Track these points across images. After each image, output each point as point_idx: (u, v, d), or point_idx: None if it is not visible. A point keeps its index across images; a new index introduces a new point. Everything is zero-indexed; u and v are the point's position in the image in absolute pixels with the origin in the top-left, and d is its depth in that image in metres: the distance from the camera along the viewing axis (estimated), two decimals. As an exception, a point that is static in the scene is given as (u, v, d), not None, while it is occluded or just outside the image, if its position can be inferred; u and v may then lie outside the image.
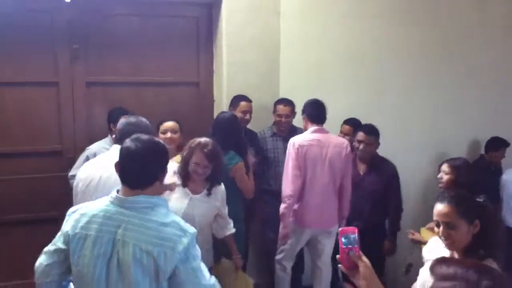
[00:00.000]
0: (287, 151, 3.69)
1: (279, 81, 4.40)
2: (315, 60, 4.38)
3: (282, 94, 4.35)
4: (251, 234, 4.11)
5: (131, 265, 1.79)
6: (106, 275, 1.83)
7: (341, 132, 4.17)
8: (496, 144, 4.61)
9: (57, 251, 1.99)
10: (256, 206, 4.09)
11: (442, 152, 4.47)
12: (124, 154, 1.96)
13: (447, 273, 1.23)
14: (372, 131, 3.79)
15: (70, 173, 3.82)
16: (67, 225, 1.96)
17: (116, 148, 2.57)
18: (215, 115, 4.48)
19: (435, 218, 2.12)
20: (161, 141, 2.11)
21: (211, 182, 3.01)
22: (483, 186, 3.05)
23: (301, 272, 4.23)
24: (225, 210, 3.15)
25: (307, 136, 3.66)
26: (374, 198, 3.74)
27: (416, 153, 4.52)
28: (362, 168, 3.85)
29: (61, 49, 4.05)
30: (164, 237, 1.83)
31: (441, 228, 2.08)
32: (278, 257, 3.85)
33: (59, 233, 2.03)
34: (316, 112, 3.74)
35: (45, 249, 2.06)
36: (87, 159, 3.76)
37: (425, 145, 4.57)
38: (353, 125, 4.12)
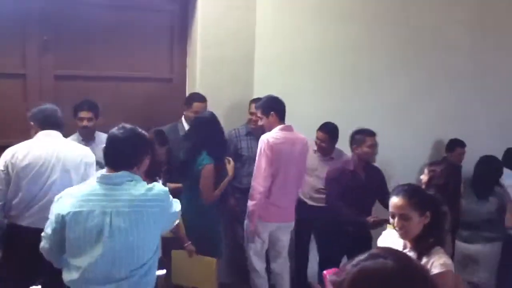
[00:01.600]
0: (259, 149, 3.67)
1: (253, 78, 4.38)
2: (289, 56, 4.38)
3: (256, 91, 4.33)
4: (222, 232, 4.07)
5: (128, 228, 2.13)
6: (97, 242, 2.12)
7: (317, 138, 4.12)
8: (452, 146, 4.75)
9: (54, 232, 2.22)
10: (227, 203, 4.08)
11: (420, 153, 4.60)
12: (111, 140, 2.27)
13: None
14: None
15: None
16: (58, 208, 2.20)
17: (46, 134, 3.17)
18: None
19: (390, 210, 2.28)
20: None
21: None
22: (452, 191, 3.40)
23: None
24: None
25: (278, 134, 3.69)
26: (373, 199, 3.89)
27: (387, 152, 4.54)
28: (361, 173, 3.86)
29: (30, 40, 3.91)
30: (151, 199, 2.20)
31: (396, 219, 2.24)
32: (250, 262, 3.85)
33: (50, 218, 2.26)
34: (283, 109, 3.77)
35: (42, 234, 2.30)
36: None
37: (391, 144, 4.57)
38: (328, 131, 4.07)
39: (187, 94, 4.46)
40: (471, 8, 4.79)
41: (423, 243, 2.22)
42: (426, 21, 4.59)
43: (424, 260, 2.19)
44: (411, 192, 2.27)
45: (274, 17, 4.33)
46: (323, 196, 4.00)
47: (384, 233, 2.54)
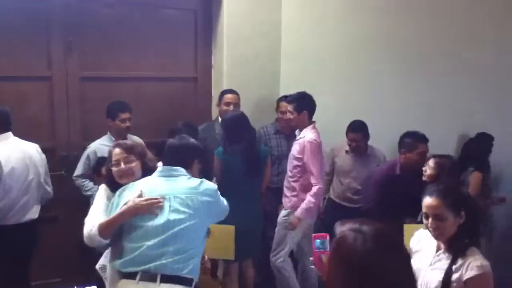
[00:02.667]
0: (309, 148, 3.59)
1: (279, 75, 4.30)
2: (316, 52, 4.29)
3: (283, 89, 4.24)
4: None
5: (180, 210, 2.40)
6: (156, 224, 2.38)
7: (349, 140, 3.99)
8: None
9: None
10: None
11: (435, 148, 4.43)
12: (169, 145, 2.67)
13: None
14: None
15: (75, 174, 3.72)
16: (124, 198, 2.45)
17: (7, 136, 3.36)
18: (213, 110, 4.39)
19: (424, 210, 2.21)
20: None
21: None
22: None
23: None
24: None
25: (316, 133, 3.67)
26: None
27: None
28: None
29: (55, 42, 3.88)
30: (202, 191, 2.50)
31: (430, 219, 2.17)
32: (284, 261, 3.81)
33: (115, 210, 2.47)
34: (315, 108, 3.72)
35: (92, 223, 2.46)
36: (88, 158, 3.65)
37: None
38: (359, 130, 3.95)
39: (212, 93, 4.41)
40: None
41: (458, 244, 2.15)
42: (456, 13, 4.41)
43: (459, 262, 2.11)
44: (446, 191, 2.19)
45: (300, 12, 4.24)
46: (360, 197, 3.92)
47: (416, 233, 2.45)
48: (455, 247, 2.15)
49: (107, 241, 2.47)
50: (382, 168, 3.79)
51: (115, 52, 4.10)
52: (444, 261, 2.16)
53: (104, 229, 2.39)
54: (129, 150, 2.61)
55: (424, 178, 3.26)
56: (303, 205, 3.64)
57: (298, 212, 3.66)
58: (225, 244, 3.39)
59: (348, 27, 4.30)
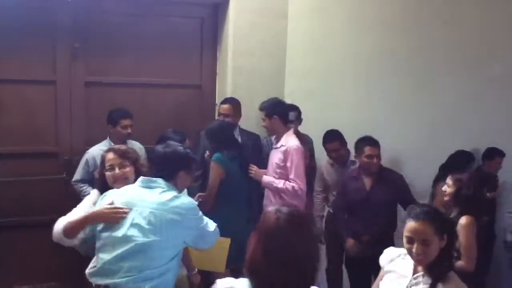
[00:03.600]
0: (295, 154, 3.54)
1: (284, 86, 4.29)
2: (321, 65, 4.26)
3: (287, 101, 4.23)
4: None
5: (141, 225, 2.26)
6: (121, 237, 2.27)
7: (328, 151, 3.94)
8: (491, 154, 4.46)
9: (97, 228, 2.39)
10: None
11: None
12: (154, 153, 2.55)
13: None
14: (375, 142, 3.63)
15: (74, 179, 3.71)
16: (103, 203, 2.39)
17: None
18: (216, 118, 4.39)
19: (408, 234, 2.12)
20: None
21: None
22: (481, 200, 3.17)
23: None
24: None
25: (296, 139, 3.66)
26: (385, 211, 3.60)
27: (420, 163, 4.35)
28: (367, 182, 3.70)
29: (61, 48, 3.91)
30: (170, 207, 2.31)
31: (415, 245, 2.09)
32: None
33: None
34: (287, 113, 3.73)
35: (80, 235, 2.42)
36: (87, 163, 3.65)
37: (427, 155, 4.38)
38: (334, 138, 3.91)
39: (216, 101, 4.41)
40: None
41: (439, 268, 2.09)
42: (471, 23, 4.28)
43: (440, 286, 2.06)
44: (433, 215, 2.12)
45: (306, 25, 4.23)
46: None
47: (386, 252, 2.38)
48: (435, 271, 2.08)
49: (74, 242, 2.44)
50: (349, 172, 3.82)
51: (120, 58, 4.11)
52: (422, 286, 2.10)
53: (68, 228, 2.36)
54: (123, 155, 2.58)
55: (446, 199, 3.18)
56: (275, 182, 3.57)
57: (267, 178, 3.62)
58: (217, 256, 3.23)
59: (355, 39, 4.27)
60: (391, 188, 3.57)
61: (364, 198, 3.58)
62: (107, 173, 2.56)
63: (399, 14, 4.14)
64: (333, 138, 3.85)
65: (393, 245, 3.63)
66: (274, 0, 4.21)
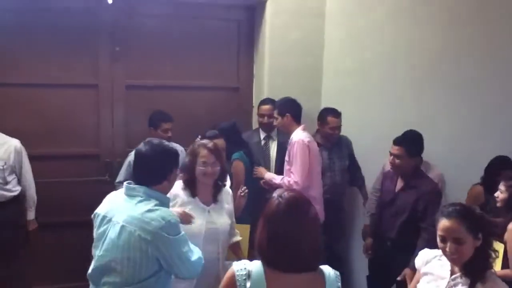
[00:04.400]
0: (296, 147, 3.56)
1: (321, 87, 4.26)
2: (359, 64, 4.20)
3: (325, 100, 4.20)
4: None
5: (115, 240, 2.09)
6: (102, 246, 2.15)
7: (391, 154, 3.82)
8: None
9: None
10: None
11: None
12: (135, 155, 2.27)
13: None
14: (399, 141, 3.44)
15: (117, 180, 3.76)
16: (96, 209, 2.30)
17: None
18: (254, 121, 4.40)
19: (441, 233, 2.10)
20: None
21: (217, 187, 2.78)
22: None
23: None
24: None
25: (306, 134, 3.67)
26: (407, 217, 3.37)
27: (467, 165, 4.18)
28: (399, 184, 3.51)
29: (103, 51, 4.01)
30: (138, 220, 2.07)
31: (448, 243, 2.07)
32: None
33: None
34: (300, 111, 3.76)
35: None
36: (130, 164, 3.71)
37: (478, 155, 4.20)
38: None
39: (253, 103, 4.42)
40: None
41: (476, 267, 2.05)
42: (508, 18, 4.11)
43: (479, 286, 2.01)
44: (465, 213, 2.08)
45: (343, 23, 4.19)
46: None
47: (421, 254, 2.33)
48: (473, 271, 2.05)
49: None
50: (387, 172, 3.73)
51: (159, 61, 4.19)
52: (461, 287, 2.06)
53: None
54: (216, 153, 2.71)
55: (498, 204, 3.06)
56: (275, 177, 3.64)
57: (268, 175, 3.70)
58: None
59: (393, 37, 4.19)
60: (417, 196, 3.34)
61: (391, 199, 3.46)
62: (200, 168, 2.65)
63: (437, 10, 4.04)
64: (397, 142, 3.49)
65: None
66: (311, -1, 4.20)
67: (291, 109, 3.69)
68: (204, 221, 2.64)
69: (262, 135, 4.10)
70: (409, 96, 4.21)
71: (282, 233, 1.70)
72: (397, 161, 3.36)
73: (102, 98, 4.07)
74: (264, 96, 4.20)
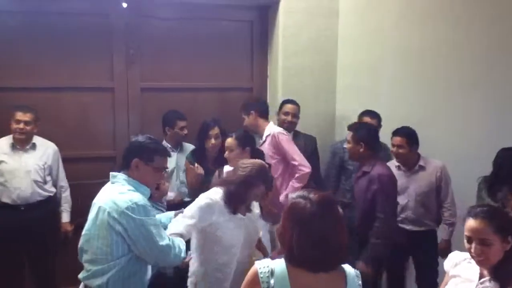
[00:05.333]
0: (282, 139, 3.65)
1: (335, 86, 4.24)
2: (373, 62, 4.18)
3: (339, 99, 4.18)
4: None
5: (103, 224, 2.26)
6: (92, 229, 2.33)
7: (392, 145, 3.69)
8: None
9: None
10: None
11: None
12: None
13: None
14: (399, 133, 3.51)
15: None
16: None
17: None
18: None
19: (467, 233, 2.05)
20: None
21: None
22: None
23: None
24: None
25: (279, 128, 3.77)
26: (362, 207, 3.27)
27: (479, 160, 4.11)
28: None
29: (118, 54, 4.05)
30: (107, 202, 2.26)
31: (473, 244, 2.02)
32: None
33: None
34: (266, 108, 3.89)
35: None
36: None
37: (489, 151, 4.13)
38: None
39: (268, 103, 4.42)
40: None
41: (505, 271, 1.99)
42: None
43: None
44: (492, 214, 2.03)
45: (356, 21, 4.18)
46: None
47: (451, 256, 2.28)
48: (502, 274, 1.99)
49: None
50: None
51: (172, 63, 4.22)
52: None
53: None
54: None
55: None
56: (287, 190, 3.57)
57: (282, 196, 3.55)
58: None
59: (407, 36, 4.16)
60: (368, 182, 3.22)
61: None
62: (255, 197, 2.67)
63: (449, 8, 4.00)
64: (400, 133, 3.51)
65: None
66: (323, -2, 4.19)
67: (255, 107, 3.79)
68: (242, 231, 2.61)
69: None
70: (422, 93, 4.17)
71: (317, 234, 1.69)
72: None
73: (117, 101, 4.11)
74: (279, 96, 4.20)
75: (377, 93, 4.12)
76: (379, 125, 3.89)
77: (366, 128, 3.37)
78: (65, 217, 3.80)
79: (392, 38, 4.14)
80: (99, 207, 2.28)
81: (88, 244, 2.32)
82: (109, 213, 2.23)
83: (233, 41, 4.35)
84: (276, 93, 4.27)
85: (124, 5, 3.96)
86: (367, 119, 3.83)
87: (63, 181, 3.81)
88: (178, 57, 4.22)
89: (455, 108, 4.12)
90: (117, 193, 2.27)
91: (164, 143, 3.82)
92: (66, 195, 3.81)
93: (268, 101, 4.43)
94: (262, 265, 1.77)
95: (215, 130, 3.68)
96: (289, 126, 4.02)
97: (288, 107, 3.98)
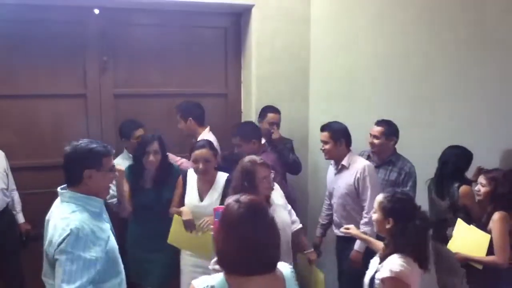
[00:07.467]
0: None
1: (309, 91, 4.29)
2: (346, 68, 4.25)
3: (312, 105, 4.23)
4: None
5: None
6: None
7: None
8: None
9: None
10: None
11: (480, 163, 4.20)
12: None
13: None
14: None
15: None
16: None
17: None
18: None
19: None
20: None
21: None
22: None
23: None
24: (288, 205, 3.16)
25: (213, 137, 3.77)
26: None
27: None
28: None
29: (91, 61, 4.03)
30: (56, 225, 2.08)
31: None
32: None
33: None
34: (203, 114, 3.90)
35: None
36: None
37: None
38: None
39: (242, 110, 4.45)
40: None
41: (385, 250, 2.33)
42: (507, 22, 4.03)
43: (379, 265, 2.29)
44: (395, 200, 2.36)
45: (329, 28, 4.23)
46: None
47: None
48: (384, 253, 2.34)
49: None
50: None
51: (147, 69, 4.21)
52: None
53: None
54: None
55: (479, 198, 3.13)
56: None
57: None
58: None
59: (380, 40, 4.23)
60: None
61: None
62: (264, 185, 2.76)
63: (422, 16, 4.08)
64: (323, 128, 3.48)
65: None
66: (296, 5, 4.25)
67: (193, 113, 3.82)
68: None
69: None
70: (396, 99, 4.24)
71: (251, 237, 1.71)
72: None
73: (91, 107, 4.08)
74: (253, 102, 4.23)
75: (350, 100, 4.18)
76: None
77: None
78: (21, 218, 3.79)
79: (365, 44, 4.20)
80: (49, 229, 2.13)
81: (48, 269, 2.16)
82: (50, 241, 2.07)
83: (208, 47, 4.36)
84: (250, 99, 4.30)
85: (96, 11, 3.95)
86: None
87: (13, 184, 3.77)
88: (152, 63, 4.22)
89: (427, 115, 4.18)
90: (59, 219, 2.08)
91: (126, 153, 3.81)
92: (17, 197, 3.78)
93: (242, 107, 4.46)
94: (201, 284, 1.73)
95: (154, 146, 3.35)
96: (270, 136, 4.02)
97: (272, 116, 3.99)
